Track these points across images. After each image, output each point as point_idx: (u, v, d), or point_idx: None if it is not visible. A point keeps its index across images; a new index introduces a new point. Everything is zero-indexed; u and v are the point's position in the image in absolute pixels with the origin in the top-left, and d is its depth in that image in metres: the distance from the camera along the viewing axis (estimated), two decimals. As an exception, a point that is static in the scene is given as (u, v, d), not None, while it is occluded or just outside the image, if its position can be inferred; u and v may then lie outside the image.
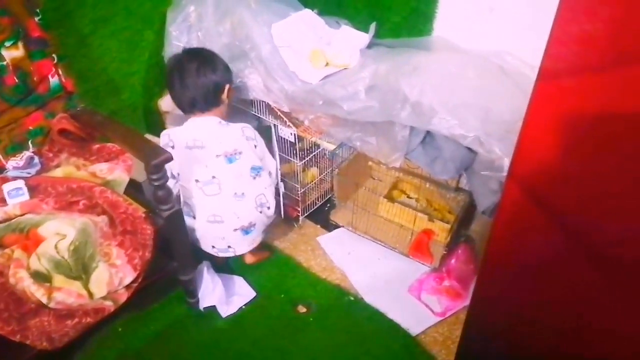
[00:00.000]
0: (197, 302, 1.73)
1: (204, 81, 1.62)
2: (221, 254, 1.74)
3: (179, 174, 1.66)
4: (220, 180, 1.63)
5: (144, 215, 1.42)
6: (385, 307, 1.73)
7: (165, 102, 2.16)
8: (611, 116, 0.81)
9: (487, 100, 1.37)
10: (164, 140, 1.66)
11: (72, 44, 1.76)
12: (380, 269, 1.87)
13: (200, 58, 1.65)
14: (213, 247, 1.72)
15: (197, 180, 1.64)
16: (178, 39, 1.87)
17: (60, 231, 1.28)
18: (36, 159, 1.57)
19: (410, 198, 2.01)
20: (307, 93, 1.67)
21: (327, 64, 1.72)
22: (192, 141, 1.63)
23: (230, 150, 1.63)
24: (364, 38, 1.72)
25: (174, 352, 1.62)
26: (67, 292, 1.26)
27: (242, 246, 1.74)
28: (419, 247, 1.84)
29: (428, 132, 1.53)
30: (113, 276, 1.31)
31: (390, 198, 1.96)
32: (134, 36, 1.96)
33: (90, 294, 1.29)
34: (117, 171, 1.59)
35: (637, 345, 0.97)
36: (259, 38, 1.70)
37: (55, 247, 1.26)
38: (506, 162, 1.35)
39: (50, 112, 1.59)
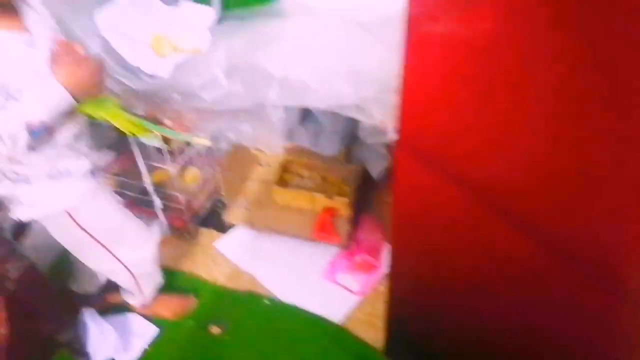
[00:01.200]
0: (89, 359, 1.46)
1: None
2: None
3: None
4: None
5: (-20, 285, 1.12)
6: (304, 301, 1.60)
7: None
8: (488, 58, 0.72)
9: (355, 63, 1.24)
10: None
11: None
12: (289, 262, 1.72)
13: None
14: None
15: None
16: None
17: None
18: None
19: (303, 177, 1.87)
20: (158, 88, 1.43)
21: (175, 50, 1.48)
22: None
23: None
24: (210, 13, 1.49)
25: None
26: None
27: None
28: (323, 228, 1.72)
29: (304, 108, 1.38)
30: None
31: (282, 183, 1.81)
32: None
33: None
34: None
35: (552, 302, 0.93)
36: (82, 32, 1.40)
37: None
38: (388, 125, 1.25)
39: None
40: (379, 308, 1.56)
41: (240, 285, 1.68)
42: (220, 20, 1.52)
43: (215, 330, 1.56)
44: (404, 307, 1.30)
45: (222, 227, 1.86)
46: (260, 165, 1.91)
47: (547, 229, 0.81)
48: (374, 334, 1.50)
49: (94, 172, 1.22)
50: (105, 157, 1.31)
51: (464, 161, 0.87)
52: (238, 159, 1.77)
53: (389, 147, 1.34)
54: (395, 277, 1.26)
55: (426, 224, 1.06)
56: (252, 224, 1.80)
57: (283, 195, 1.78)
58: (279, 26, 1.34)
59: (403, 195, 1.03)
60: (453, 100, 0.79)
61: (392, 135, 1.23)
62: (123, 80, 1.43)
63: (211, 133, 1.58)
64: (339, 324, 1.55)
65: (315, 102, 1.23)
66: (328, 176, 1.84)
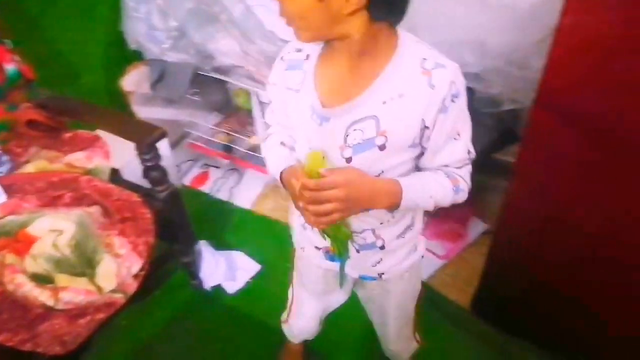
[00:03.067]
0: (201, 283, 1.67)
1: None
2: None
3: None
4: None
5: (140, 199, 1.34)
6: (392, 258, 1.73)
7: (128, 81, 2.02)
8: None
9: (479, 35, 1.35)
10: None
11: (22, 27, 1.60)
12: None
13: None
14: None
15: None
16: (136, 9, 1.74)
17: (56, 227, 1.18)
18: (4, 157, 1.43)
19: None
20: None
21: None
22: None
23: None
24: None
25: (187, 337, 1.56)
26: (75, 291, 1.17)
27: None
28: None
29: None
30: (120, 266, 1.23)
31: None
32: (85, 13, 1.81)
33: (99, 289, 1.21)
34: (96, 158, 1.48)
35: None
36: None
37: (54, 244, 1.16)
38: (505, 95, 1.35)
39: (11, 105, 1.44)
40: (463, 273, 1.68)
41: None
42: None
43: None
44: (500, 270, 1.38)
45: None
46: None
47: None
48: (457, 294, 1.61)
49: None
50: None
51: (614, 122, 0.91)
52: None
53: (499, 118, 1.44)
54: (500, 240, 1.34)
55: (552, 181, 1.10)
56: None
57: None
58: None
59: (532, 152, 1.08)
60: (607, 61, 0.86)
61: (508, 105, 1.33)
62: (258, 42, 1.61)
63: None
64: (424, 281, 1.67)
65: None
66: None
